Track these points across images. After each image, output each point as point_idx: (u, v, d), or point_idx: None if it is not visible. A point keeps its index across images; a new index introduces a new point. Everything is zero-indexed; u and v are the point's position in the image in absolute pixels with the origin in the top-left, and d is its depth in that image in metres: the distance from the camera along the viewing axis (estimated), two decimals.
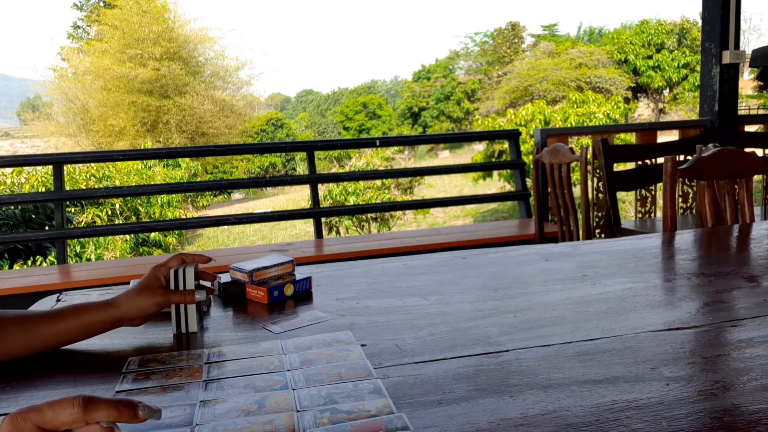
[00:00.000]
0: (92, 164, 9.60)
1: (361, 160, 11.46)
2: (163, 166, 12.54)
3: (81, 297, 1.16)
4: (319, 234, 4.11)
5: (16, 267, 6.39)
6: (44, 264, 6.43)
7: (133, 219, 9.60)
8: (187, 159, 13.50)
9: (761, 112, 17.50)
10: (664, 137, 6.31)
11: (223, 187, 11.40)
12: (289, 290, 1.14)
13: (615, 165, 3.07)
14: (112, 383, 0.79)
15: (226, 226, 13.51)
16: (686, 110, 23.36)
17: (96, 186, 9.33)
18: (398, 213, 10.74)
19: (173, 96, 21.02)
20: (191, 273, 0.95)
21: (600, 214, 3.63)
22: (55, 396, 0.67)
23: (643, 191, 3.81)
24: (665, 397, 0.69)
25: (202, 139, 21.42)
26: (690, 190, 4.01)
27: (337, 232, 9.52)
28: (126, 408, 0.53)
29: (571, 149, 2.97)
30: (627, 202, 9.11)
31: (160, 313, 0.97)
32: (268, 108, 34.01)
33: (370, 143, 7.70)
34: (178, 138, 20.99)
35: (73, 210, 8.74)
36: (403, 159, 19.50)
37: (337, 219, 9.49)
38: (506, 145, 9.58)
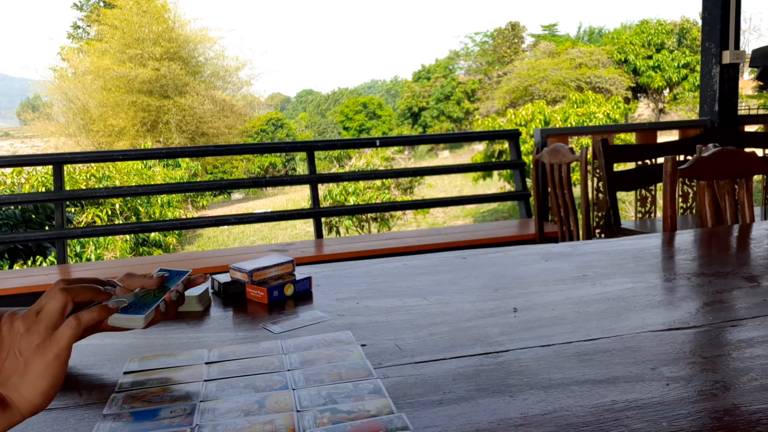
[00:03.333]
0: (92, 164, 9.61)
1: (361, 160, 11.46)
2: (163, 166, 12.54)
3: None
4: (319, 234, 4.11)
5: (16, 267, 6.39)
6: (44, 264, 6.43)
7: (133, 219, 9.60)
8: (187, 159, 13.51)
9: (761, 112, 17.50)
10: (664, 137, 6.31)
11: (223, 187, 11.40)
12: (289, 290, 1.14)
13: (615, 165, 3.07)
14: (112, 383, 0.79)
15: (226, 226, 13.50)
16: (686, 110, 23.35)
17: (96, 186, 9.33)
18: (398, 213, 10.74)
19: (173, 96, 21.03)
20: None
21: (600, 214, 3.63)
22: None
23: (643, 191, 3.81)
24: (665, 397, 0.69)
25: (202, 139, 21.43)
26: (690, 190, 4.01)
27: (337, 232, 9.51)
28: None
29: (571, 149, 2.97)
30: (627, 202, 9.11)
31: (160, 313, 0.96)
32: (268, 108, 34.01)
33: (370, 143, 7.70)
34: (178, 138, 21.00)
35: (73, 210, 8.74)
36: (403, 159, 19.53)
37: (337, 219, 9.49)
38: (506, 145, 9.58)
